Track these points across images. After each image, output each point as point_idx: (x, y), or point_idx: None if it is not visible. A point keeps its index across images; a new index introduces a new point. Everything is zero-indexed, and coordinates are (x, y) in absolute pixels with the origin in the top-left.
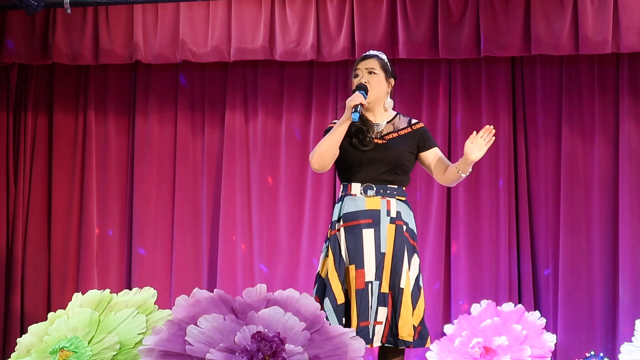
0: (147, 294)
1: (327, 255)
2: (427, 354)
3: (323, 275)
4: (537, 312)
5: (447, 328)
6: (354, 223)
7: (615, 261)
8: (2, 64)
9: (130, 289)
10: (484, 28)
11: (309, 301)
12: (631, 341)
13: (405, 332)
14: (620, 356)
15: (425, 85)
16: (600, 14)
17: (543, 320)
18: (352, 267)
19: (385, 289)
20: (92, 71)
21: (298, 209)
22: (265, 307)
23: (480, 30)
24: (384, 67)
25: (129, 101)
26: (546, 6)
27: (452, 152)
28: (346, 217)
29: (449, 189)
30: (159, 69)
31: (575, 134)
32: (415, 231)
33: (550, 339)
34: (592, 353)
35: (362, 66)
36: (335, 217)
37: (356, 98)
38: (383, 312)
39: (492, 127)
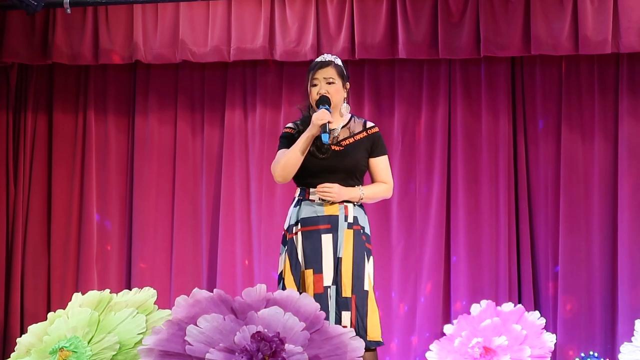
0: (147, 294)
1: (284, 259)
2: (427, 354)
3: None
4: (537, 312)
5: (447, 328)
6: (313, 228)
7: (615, 261)
8: (2, 64)
9: (130, 289)
10: (483, 28)
11: (308, 301)
12: (631, 341)
13: (375, 333)
14: (620, 356)
15: (425, 85)
16: (600, 14)
17: (543, 320)
18: (309, 272)
19: (347, 293)
20: (92, 71)
21: None
22: (265, 307)
23: (480, 30)
24: (340, 74)
25: (128, 101)
26: (546, 6)
27: (452, 152)
28: (304, 222)
29: (448, 188)
30: (159, 69)
31: (575, 133)
32: (370, 234)
33: (550, 339)
34: (592, 353)
35: (320, 75)
36: (292, 221)
37: (324, 116)
38: (347, 316)
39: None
